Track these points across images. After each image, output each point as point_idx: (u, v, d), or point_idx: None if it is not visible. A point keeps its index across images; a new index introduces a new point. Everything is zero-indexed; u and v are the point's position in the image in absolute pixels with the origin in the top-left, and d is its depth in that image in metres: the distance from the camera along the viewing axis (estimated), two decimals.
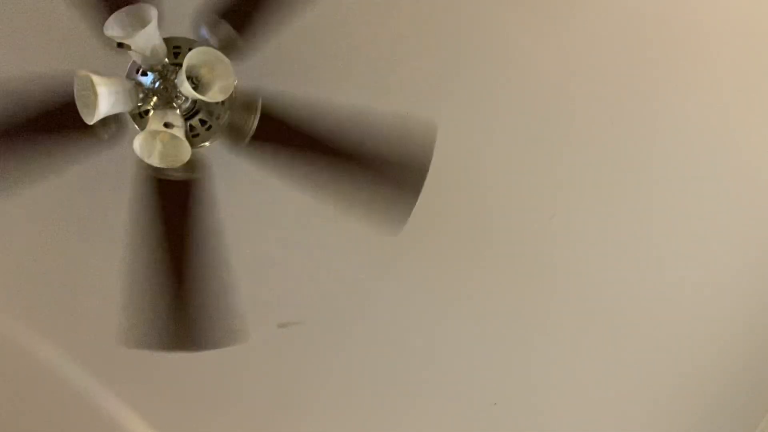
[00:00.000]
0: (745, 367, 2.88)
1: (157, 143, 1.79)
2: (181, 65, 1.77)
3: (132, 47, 1.72)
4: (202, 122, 1.93)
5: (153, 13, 1.69)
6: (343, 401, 2.97)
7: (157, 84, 1.85)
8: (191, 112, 1.91)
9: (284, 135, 1.98)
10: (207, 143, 1.97)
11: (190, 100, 1.88)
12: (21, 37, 2.23)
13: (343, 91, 2.40)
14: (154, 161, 1.81)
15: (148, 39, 1.73)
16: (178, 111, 1.86)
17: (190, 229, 1.99)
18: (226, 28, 1.85)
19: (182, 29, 1.90)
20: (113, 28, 1.69)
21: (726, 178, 2.62)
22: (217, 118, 1.93)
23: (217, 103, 1.91)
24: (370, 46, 2.38)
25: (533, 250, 2.71)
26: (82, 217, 2.54)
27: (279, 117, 1.97)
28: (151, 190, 1.95)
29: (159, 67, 1.85)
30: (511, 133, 2.55)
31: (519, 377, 2.92)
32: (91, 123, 1.71)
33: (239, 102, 1.95)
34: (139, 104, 1.85)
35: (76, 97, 1.71)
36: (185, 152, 1.78)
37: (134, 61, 1.86)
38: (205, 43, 1.87)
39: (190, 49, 1.76)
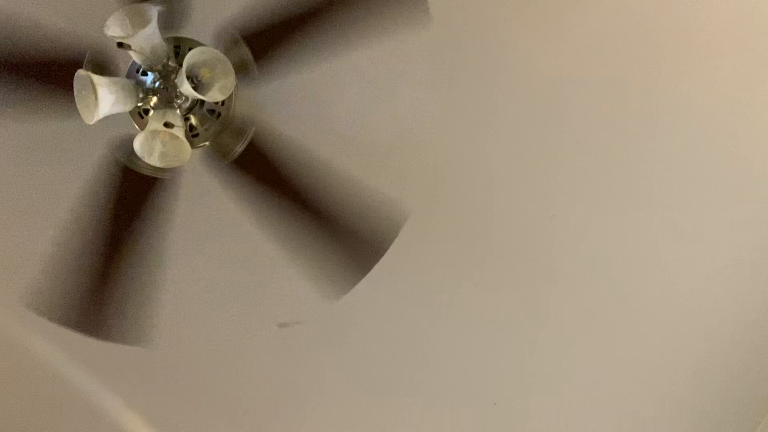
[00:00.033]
0: (745, 367, 2.88)
1: (157, 143, 1.79)
2: (181, 65, 1.77)
3: (132, 47, 1.72)
4: (202, 122, 1.93)
5: (153, 13, 1.69)
6: (343, 401, 2.97)
7: (157, 84, 1.85)
8: (191, 112, 1.91)
9: (264, 171, 1.99)
10: (207, 143, 1.97)
11: (190, 100, 1.88)
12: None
13: (342, 94, 2.41)
14: (154, 161, 1.81)
15: (148, 39, 1.73)
16: (178, 111, 1.86)
17: (138, 224, 1.98)
18: (244, 51, 1.85)
19: (191, 31, 1.90)
20: (114, 27, 1.69)
21: (726, 178, 2.62)
22: (208, 129, 1.94)
23: (216, 105, 1.91)
24: (373, 52, 2.39)
25: (533, 250, 2.71)
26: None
27: (265, 152, 1.97)
28: (116, 175, 1.94)
29: (159, 67, 1.85)
30: (511, 133, 2.55)
31: (519, 377, 2.92)
32: (91, 123, 1.71)
33: (233, 122, 1.95)
34: (139, 104, 1.85)
35: (76, 96, 1.71)
36: (185, 152, 1.78)
37: (134, 61, 1.86)
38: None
39: (190, 49, 1.76)
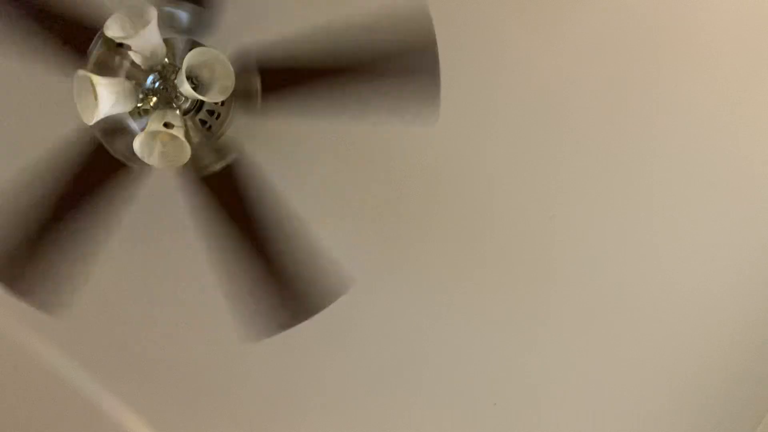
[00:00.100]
0: (745, 367, 2.88)
1: (157, 143, 1.79)
2: (181, 66, 1.77)
3: (132, 47, 1.72)
4: (202, 122, 1.93)
5: (153, 13, 1.69)
6: (343, 401, 2.97)
7: (157, 84, 1.85)
8: (191, 113, 1.91)
9: (230, 198, 1.99)
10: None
11: (190, 101, 1.88)
12: None
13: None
14: (154, 161, 1.81)
15: (148, 39, 1.73)
16: (177, 111, 1.86)
17: (91, 199, 1.98)
18: (254, 80, 1.85)
19: (210, 39, 1.90)
20: (113, 27, 1.69)
21: (726, 178, 2.62)
22: (209, 128, 1.93)
23: (215, 104, 1.91)
24: None
25: (533, 250, 2.71)
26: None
27: (238, 181, 1.98)
28: (88, 148, 1.94)
29: (159, 68, 1.85)
30: (511, 133, 2.55)
31: (519, 377, 2.92)
32: (91, 123, 1.71)
33: (219, 141, 1.96)
34: (138, 104, 1.85)
35: (75, 96, 1.71)
36: (185, 152, 1.78)
37: (134, 61, 1.86)
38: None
39: (190, 50, 1.76)
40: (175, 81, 1.84)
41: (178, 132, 1.78)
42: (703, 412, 2.94)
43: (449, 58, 2.45)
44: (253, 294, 2.08)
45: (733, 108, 2.51)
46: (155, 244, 2.67)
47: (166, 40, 1.83)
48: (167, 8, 1.80)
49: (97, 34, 1.79)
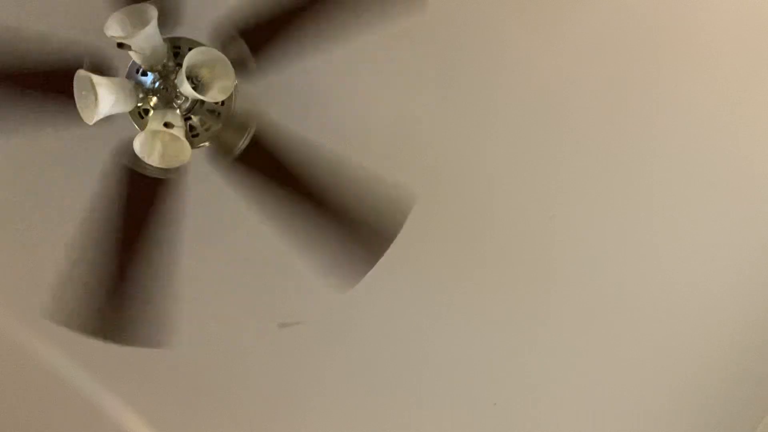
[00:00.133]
0: (745, 367, 2.88)
1: (157, 143, 1.79)
2: (181, 65, 1.77)
3: (132, 47, 1.72)
4: (202, 122, 1.93)
5: (153, 13, 1.69)
6: (343, 401, 2.97)
7: (157, 84, 1.85)
8: (191, 112, 1.91)
9: (268, 166, 1.98)
10: (207, 143, 1.97)
11: (190, 100, 1.88)
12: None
13: (342, 94, 2.41)
14: (154, 161, 1.81)
15: (148, 39, 1.73)
16: (178, 111, 1.87)
17: (148, 226, 1.98)
18: (241, 47, 1.84)
19: (186, 30, 1.90)
20: (113, 27, 1.69)
21: (726, 178, 2.62)
22: (208, 129, 1.93)
23: (216, 106, 1.91)
24: (373, 53, 2.39)
25: (533, 250, 2.71)
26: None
27: (268, 146, 1.97)
28: (123, 178, 1.95)
29: (159, 67, 1.85)
30: (511, 133, 2.55)
31: (519, 377, 2.92)
32: (91, 123, 1.71)
33: (234, 119, 1.95)
34: (139, 104, 1.85)
35: (75, 97, 1.71)
36: (185, 152, 1.78)
37: (134, 61, 1.86)
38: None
39: (190, 49, 1.76)
40: (175, 81, 1.84)
41: (178, 132, 1.78)
42: (703, 412, 2.94)
43: (449, 58, 2.46)
44: (329, 245, 2.06)
45: (733, 108, 2.51)
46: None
47: (165, 40, 1.83)
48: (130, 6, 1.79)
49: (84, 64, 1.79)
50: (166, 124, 1.78)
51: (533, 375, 2.92)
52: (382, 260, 2.71)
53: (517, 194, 2.63)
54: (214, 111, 1.93)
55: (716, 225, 2.68)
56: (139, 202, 1.97)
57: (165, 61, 1.84)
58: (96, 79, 1.67)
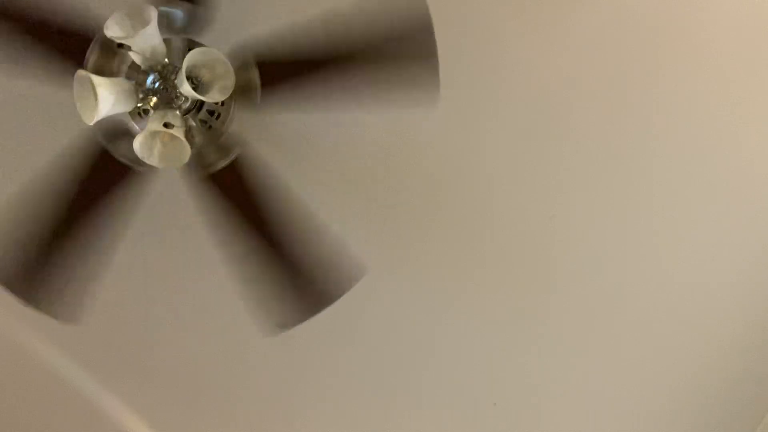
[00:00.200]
0: (745, 367, 2.88)
1: (157, 143, 1.79)
2: (181, 65, 1.77)
3: (132, 48, 1.72)
4: (202, 122, 1.93)
5: (153, 13, 1.69)
6: (343, 401, 2.97)
7: (157, 84, 1.85)
8: (191, 113, 1.91)
9: (237, 193, 2.00)
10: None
11: (190, 101, 1.88)
12: None
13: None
14: (154, 161, 1.81)
15: (148, 39, 1.73)
16: (177, 111, 1.87)
17: (100, 205, 1.99)
18: (253, 75, 1.85)
19: (205, 38, 1.90)
20: (113, 28, 1.69)
21: (726, 178, 2.62)
22: (209, 128, 1.93)
23: (208, 120, 1.91)
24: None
25: (533, 250, 2.71)
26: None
27: (244, 175, 1.98)
28: (93, 154, 1.95)
29: (159, 67, 1.85)
30: (511, 133, 2.55)
31: (519, 377, 2.92)
32: (91, 123, 1.71)
33: (222, 138, 1.96)
34: (138, 104, 1.85)
35: (75, 97, 1.71)
36: (185, 152, 1.79)
37: (134, 61, 1.86)
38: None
39: (190, 50, 1.76)
40: (175, 81, 1.84)
41: (178, 132, 1.78)
42: (703, 412, 2.94)
43: (449, 58, 2.45)
44: (268, 287, 2.08)
45: (733, 108, 2.51)
46: (156, 245, 2.67)
47: (165, 40, 1.83)
48: (162, 8, 1.79)
49: (93, 40, 1.79)
50: (166, 125, 1.78)
51: (533, 375, 2.92)
52: (382, 260, 2.72)
53: (517, 194, 2.63)
54: (208, 121, 1.93)
55: (716, 225, 2.68)
56: (100, 180, 1.97)
57: (165, 61, 1.84)
58: (96, 79, 1.67)
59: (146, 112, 1.89)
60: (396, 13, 1.86)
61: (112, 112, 1.75)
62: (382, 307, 2.79)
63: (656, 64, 2.45)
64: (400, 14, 1.85)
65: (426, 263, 2.72)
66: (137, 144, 1.77)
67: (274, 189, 2.01)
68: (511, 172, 2.61)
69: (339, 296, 2.09)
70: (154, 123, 1.81)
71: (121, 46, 1.70)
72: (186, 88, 1.76)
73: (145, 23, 1.69)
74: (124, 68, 1.88)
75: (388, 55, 1.89)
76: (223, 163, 1.96)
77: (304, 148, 2.50)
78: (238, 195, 2.00)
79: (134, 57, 1.80)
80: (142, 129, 1.85)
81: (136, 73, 1.87)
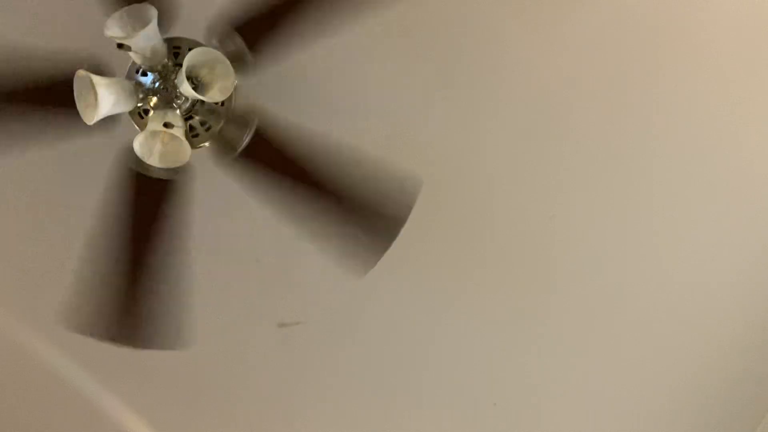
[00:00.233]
0: (745, 367, 2.88)
1: (157, 143, 1.79)
2: (181, 65, 1.77)
3: (132, 48, 1.72)
4: (202, 122, 1.93)
5: (153, 13, 1.69)
6: (343, 401, 2.97)
7: (157, 84, 1.85)
8: (191, 113, 1.91)
9: (273, 159, 1.98)
10: (207, 144, 1.97)
11: (190, 101, 1.88)
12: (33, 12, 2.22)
13: (343, 98, 2.41)
14: (154, 161, 1.81)
15: (148, 39, 1.73)
16: (178, 111, 1.87)
17: (157, 229, 1.99)
18: (237, 41, 1.84)
19: (185, 29, 1.90)
20: (113, 28, 1.69)
21: (726, 178, 2.62)
22: (209, 128, 1.93)
23: (216, 104, 1.91)
24: (373, 52, 2.39)
25: (533, 250, 2.71)
26: (81, 211, 2.54)
27: (272, 140, 1.97)
28: (128, 182, 1.95)
29: (159, 68, 1.85)
30: (511, 133, 2.55)
31: (519, 377, 2.92)
32: (91, 123, 1.71)
33: (235, 115, 1.95)
34: (139, 104, 1.85)
35: (76, 97, 1.71)
36: (185, 152, 1.78)
37: (134, 62, 1.86)
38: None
39: (190, 50, 1.76)
40: (175, 81, 1.84)
41: (178, 132, 1.78)
42: (703, 412, 2.94)
43: (449, 58, 2.46)
44: (340, 233, 2.05)
45: (733, 108, 2.51)
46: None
47: (165, 40, 1.83)
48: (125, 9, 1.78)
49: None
50: (166, 125, 1.78)
51: (533, 375, 2.92)
52: (382, 260, 2.71)
53: (517, 194, 2.63)
54: (213, 111, 1.93)
55: (716, 225, 2.68)
56: (146, 204, 1.97)
57: (165, 61, 1.84)
58: (96, 79, 1.67)
59: (146, 112, 1.89)
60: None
61: (112, 112, 1.75)
62: (382, 307, 2.79)
63: (656, 64, 2.46)
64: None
65: (426, 263, 2.72)
66: (137, 144, 1.77)
67: (304, 141, 1.98)
68: (511, 172, 2.61)
69: (407, 217, 2.04)
70: (154, 123, 1.81)
71: (121, 46, 1.69)
72: (186, 88, 1.76)
73: (145, 23, 1.69)
74: (124, 69, 1.89)
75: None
76: (247, 139, 1.95)
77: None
78: (274, 160, 1.98)
79: (134, 57, 1.79)
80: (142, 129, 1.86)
81: (136, 73, 1.87)
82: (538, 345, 2.86)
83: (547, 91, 2.49)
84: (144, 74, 1.86)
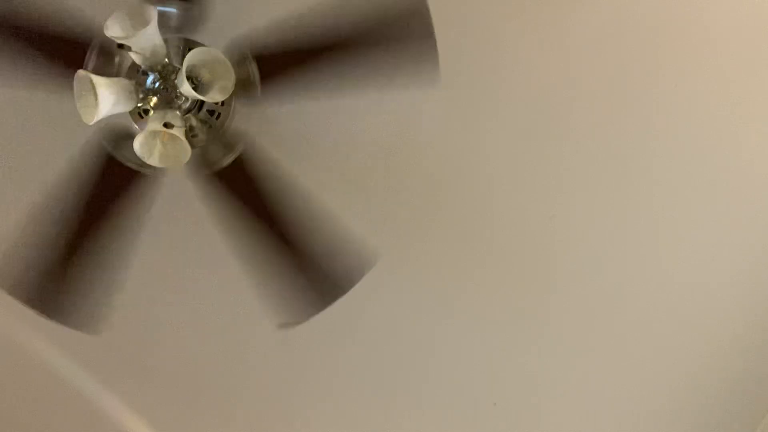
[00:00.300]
0: (745, 367, 2.88)
1: (157, 143, 1.79)
2: (181, 65, 1.77)
3: (132, 48, 1.72)
4: (203, 122, 1.93)
5: (153, 13, 1.69)
6: (343, 401, 2.97)
7: (157, 84, 1.85)
8: (191, 113, 1.91)
9: (244, 189, 1.99)
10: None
11: (190, 101, 1.88)
12: None
13: (341, 98, 2.41)
14: (154, 161, 1.81)
15: (148, 39, 1.73)
16: (178, 111, 1.86)
17: (111, 211, 1.98)
18: (251, 69, 1.85)
19: (201, 36, 1.90)
20: (113, 28, 1.69)
21: (726, 178, 2.62)
22: (194, 136, 1.93)
23: (208, 120, 1.91)
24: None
25: (533, 250, 2.71)
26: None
27: (249, 171, 1.98)
28: (99, 160, 1.94)
29: (159, 68, 1.85)
30: (511, 133, 2.55)
31: (519, 377, 2.92)
32: (91, 123, 1.71)
33: (225, 134, 1.96)
34: (139, 104, 1.85)
35: (76, 97, 1.71)
36: (185, 152, 1.78)
37: (134, 61, 1.86)
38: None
39: (190, 50, 1.76)
40: (175, 81, 1.84)
41: (178, 132, 1.78)
42: (703, 412, 2.94)
43: (449, 58, 2.45)
44: (281, 280, 2.07)
45: (733, 108, 2.51)
46: (155, 245, 2.67)
47: (166, 40, 1.83)
48: (158, 7, 1.78)
49: (91, 45, 1.79)
50: (166, 125, 1.78)
51: (533, 375, 2.92)
52: (382, 260, 2.71)
53: (517, 194, 2.63)
54: (209, 121, 1.93)
55: (716, 225, 2.68)
56: (109, 187, 1.96)
57: (165, 61, 1.84)
58: (96, 79, 1.67)
59: (146, 112, 1.88)
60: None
61: (112, 112, 1.75)
62: (382, 306, 2.79)
63: (656, 64, 2.45)
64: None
65: (426, 263, 2.72)
66: (137, 144, 1.77)
67: (280, 182, 2.00)
68: (511, 172, 2.61)
69: (351, 286, 2.07)
70: (154, 123, 1.81)
71: (121, 46, 1.69)
72: (186, 88, 1.76)
73: (145, 23, 1.69)
74: (124, 68, 1.89)
75: (384, 38, 1.87)
76: (228, 160, 1.95)
77: (304, 148, 2.50)
78: (245, 190, 1.99)
79: (134, 57, 1.79)
80: (142, 129, 1.85)
81: (136, 73, 1.87)
82: (538, 345, 2.86)
83: (547, 91, 2.49)
84: (144, 74, 1.86)
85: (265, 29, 1.85)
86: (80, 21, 1.80)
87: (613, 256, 2.72)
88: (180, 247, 2.67)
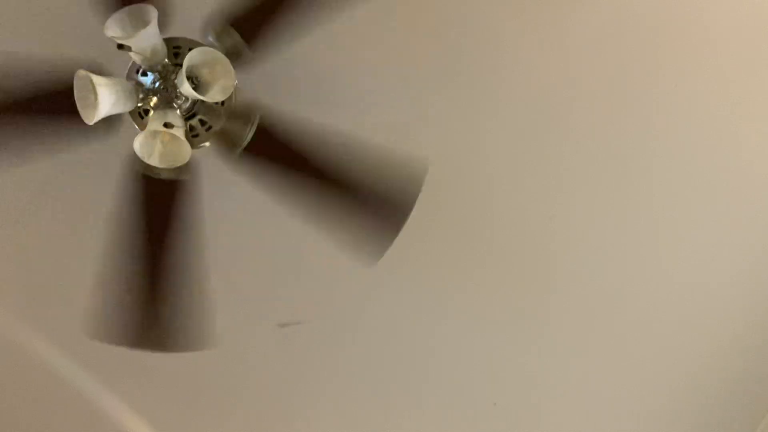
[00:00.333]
0: (745, 367, 2.88)
1: (157, 143, 1.79)
2: (181, 65, 1.77)
3: (132, 48, 1.72)
4: (202, 122, 1.93)
5: (153, 13, 1.69)
6: (343, 401, 2.97)
7: (157, 84, 1.85)
8: (191, 113, 1.91)
9: (277, 152, 1.98)
10: (207, 143, 1.97)
11: (190, 101, 1.88)
12: (28, 21, 2.22)
13: (343, 96, 2.41)
14: (154, 161, 1.80)
15: (148, 39, 1.73)
16: (178, 111, 1.86)
17: (171, 230, 1.98)
18: (234, 37, 1.85)
19: (182, 29, 1.90)
20: (113, 28, 1.69)
21: (726, 178, 2.62)
22: (209, 128, 1.93)
23: (216, 104, 1.90)
24: (373, 52, 2.39)
25: (533, 250, 2.71)
26: (83, 213, 2.54)
27: (275, 133, 1.97)
28: (138, 186, 1.94)
29: (159, 68, 1.85)
30: (511, 133, 2.55)
31: (519, 377, 2.92)
32: (91, 123, 1.71)
33: (237, 111, 1.94)
34: (139, 104, 1.85)
35: (76, 97, 1.71)
36: (185, 152, 1.78)
37: (134, 62, 1.86)
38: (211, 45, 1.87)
39: (190, 50, 1.76)
40: (175, 81, 1.84)
41: (179, 132, 1.78)
42: (703, 412, 2.94)
43: (449, 58, 2.45)
44: (348, 223, 2.04)
45: (733, 108, 2.51)
46: None
47: (165, 40, 1.83)
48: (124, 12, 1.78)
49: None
50: (166, 125, 1.78)
51: (533, 375, 2.92)
52: (382, 260, 2.71)
53: (517, 194, 2.63)
54: (213, 110, 1.93)
55: (716, 225, 2.68)
56: (157, 206, 1.96)
57: (165, 61, 1.84)
58: (96, 79, 1.67)
59: (146, 112, 1.88)
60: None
61: (112, 112, 1.75)
62: (382, 307, 2.79)
63: (656, 64, 2.46)
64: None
65: (426, 263, 2.72)
66: (137, 144, 1.77)
67: (308, 131, 1.98)
68: (511, 172, 2.61)
69: (414, 201, 2.03)
70: (154, 123, 1.81)
71: (121, 46, 1.69)
72: (186, 88, 1.76)
73: (145, 23, 1.69)
74: (122, 72, 1.89)
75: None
76: (250, 134, 1.95)
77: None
78: (280, 152, 1.98)
79: (134, 57, 1.79)
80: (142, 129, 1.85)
81: (136, 73, 1.87)
82: (538, 345, 2.86)
83: (547, 91, 2.49)
84: (144, 74, 1.86)
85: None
86: (57, 67, 1.81)
87: (613, 256, 2.73)
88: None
